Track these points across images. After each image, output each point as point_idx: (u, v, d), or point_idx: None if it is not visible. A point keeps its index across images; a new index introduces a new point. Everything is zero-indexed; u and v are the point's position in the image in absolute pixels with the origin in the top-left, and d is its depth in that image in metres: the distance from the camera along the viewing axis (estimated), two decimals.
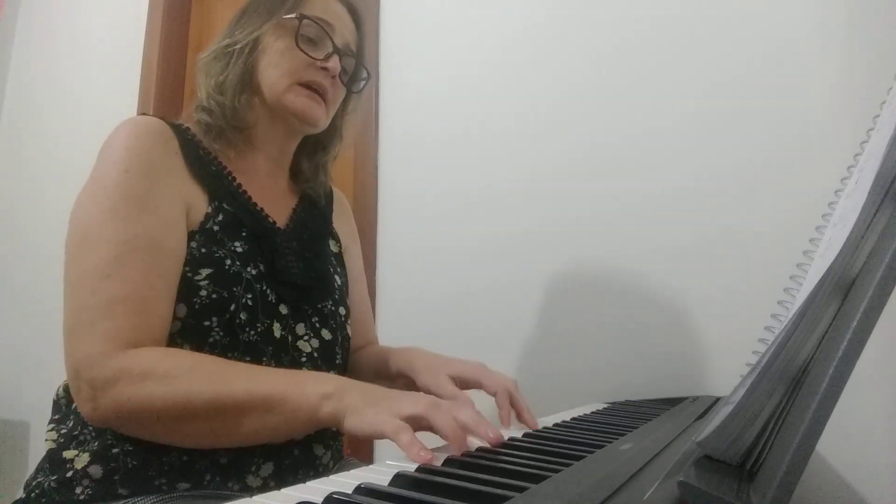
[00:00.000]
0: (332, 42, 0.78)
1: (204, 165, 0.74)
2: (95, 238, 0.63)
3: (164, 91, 1.84)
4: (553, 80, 1.23)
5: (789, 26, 1.00)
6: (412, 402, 0.55)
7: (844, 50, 0.95)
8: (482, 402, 0.68)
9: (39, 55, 2.27)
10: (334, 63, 0.78)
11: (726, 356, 0.98)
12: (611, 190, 1.13)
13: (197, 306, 0.66)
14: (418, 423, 0.53)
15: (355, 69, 0.85)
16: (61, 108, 2.13)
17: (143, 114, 0.76)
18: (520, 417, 0.69)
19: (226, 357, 0.65)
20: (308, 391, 0.58)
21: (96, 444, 0.63)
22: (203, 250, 0.68)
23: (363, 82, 0.87)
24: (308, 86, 0.77)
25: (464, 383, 0.74)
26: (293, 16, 0.77)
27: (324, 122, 0.81)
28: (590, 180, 1.16)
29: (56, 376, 0.68)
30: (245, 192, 0.77)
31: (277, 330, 0.71)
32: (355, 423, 0.55)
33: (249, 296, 0.69)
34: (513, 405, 0.69)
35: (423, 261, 1.33)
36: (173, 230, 0.67)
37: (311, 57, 0.77)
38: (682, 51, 1.10)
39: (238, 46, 0.77)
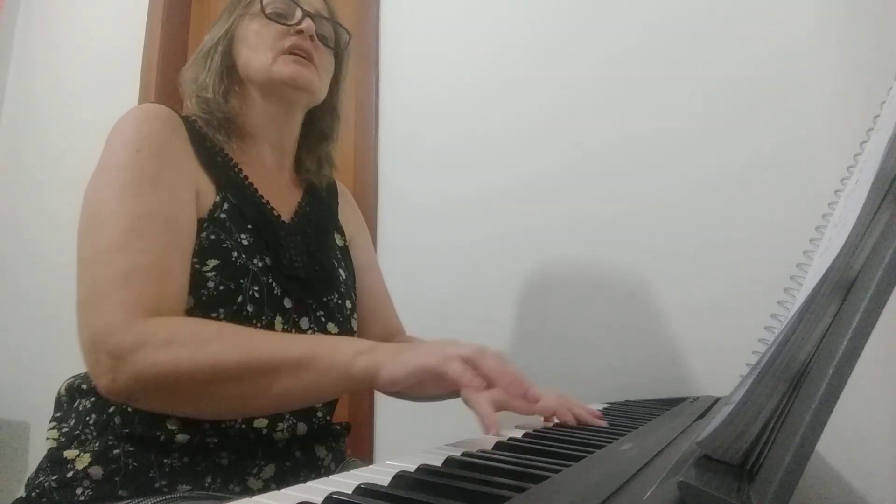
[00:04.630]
0: (300, 8, 0.79)
1: (211, 155, 0.74)
2: (109, 214, 0.62)
3: (165, 91, 1.84)
4: (553, 80, 1.23)
5: (789, 26, 1.00)
6: (455, 346, 0.54)
7: (844, 50, 0.95)
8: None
9: (39, 55, 2.27)
10: (308, 24, 0.78)
11: (726, 356, 0.98)
12: (612, 190, 1.13)
13: (204, 298, 0.65)
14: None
15: (336, 32, 0.85)
16: (61, 108, 2.13)
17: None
18: (580, 421, 0.65)
19: None
20: (340, 349, 0.58)
21: (97, 444, 0.62)
22: (213, 237, 0.68)
23: (346, 40, 0.87)
24: (291, 52, 0.77)
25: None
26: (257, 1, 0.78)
27: (318, 86, 0.81)
28: (591, 180, 1.16)
29: (56, 376, 0.68)
30: (251, 183, 0.77)
31: (279, 324, 0.71)
32: (393, 368, 0.54)
33: (256, 288, 0.68)
34: (575, 415, 0.65)
35: (423, 261, 1.33)
36: (185, 208, 0.67)
37: (284, 24, 0.77)
38: (682, 52, 1.10)
39: (211, 44, 0.79)
